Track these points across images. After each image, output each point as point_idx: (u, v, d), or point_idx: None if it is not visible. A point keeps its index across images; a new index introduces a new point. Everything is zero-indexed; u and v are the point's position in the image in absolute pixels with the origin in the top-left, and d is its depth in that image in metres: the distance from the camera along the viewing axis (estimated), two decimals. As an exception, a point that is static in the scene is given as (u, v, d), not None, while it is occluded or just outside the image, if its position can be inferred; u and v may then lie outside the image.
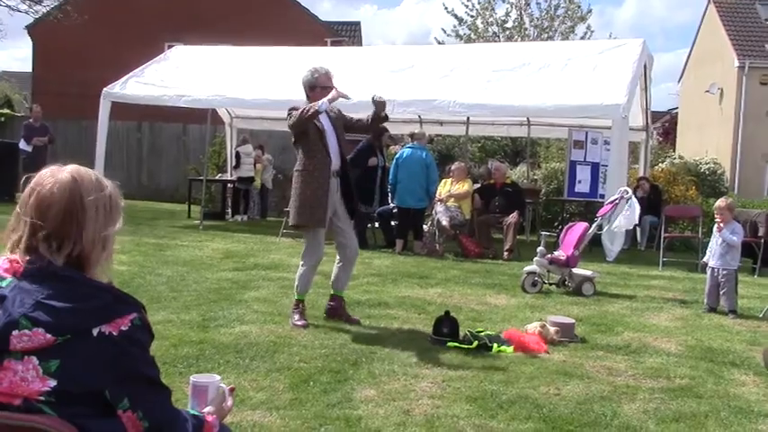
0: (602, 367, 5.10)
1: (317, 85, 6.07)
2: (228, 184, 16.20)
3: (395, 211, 11.51)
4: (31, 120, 14.34)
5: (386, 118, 6.35)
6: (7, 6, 20.64)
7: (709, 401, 4.47)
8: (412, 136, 11.58)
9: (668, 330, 6.36)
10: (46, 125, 14.12)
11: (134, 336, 1.73)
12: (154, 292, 7.07)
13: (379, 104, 6.17)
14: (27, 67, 29.56)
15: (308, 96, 6.13)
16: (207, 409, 2.09)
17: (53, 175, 1.81)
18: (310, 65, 6.44)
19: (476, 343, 5.42)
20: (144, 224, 13.35)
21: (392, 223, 11.62)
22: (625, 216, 8.20)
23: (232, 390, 2.23)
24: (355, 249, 6.24)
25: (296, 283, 6.16)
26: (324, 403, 4.15)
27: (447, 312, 5.75)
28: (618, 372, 5.01)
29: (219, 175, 16.99)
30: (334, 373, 4.70)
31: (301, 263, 6.14)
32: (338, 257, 6.24)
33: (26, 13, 21.49)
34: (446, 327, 5.61)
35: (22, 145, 13.75)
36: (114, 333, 1.70)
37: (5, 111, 22.32)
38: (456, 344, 5.45)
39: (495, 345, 5.42)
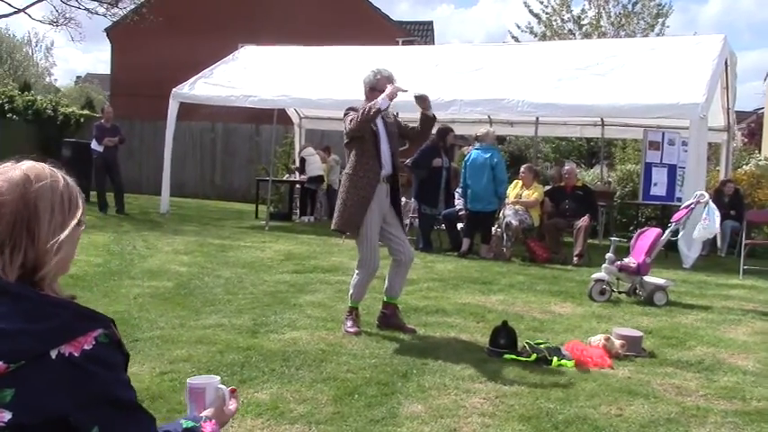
0: (671, 385, 4.74)
1: (377, 88, 5.83)
2: (296, 185, 16.17)
3: (461, 213, 11.23)
4: (102, 120, 14.57)
5: (433, 117, 6.07)
6: (86, 9, 21.14)
7: (789, 428, 4.08)
8: (476, 138, 11.24)
9: (746, 346, 5.91)
10: (117, 126, 14.32)
11: (99, 355, 1.51)
12: (210, 294, 6.99)
13: (419, 100, 5.92)
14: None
15: (366, 97, 5.92)
16: (205, 413, 1.88)
17: (3, 173, 1.59)
18: (379, 65, 6.24)
19: (534, 356, 5.12)
20: (211, 224, 13.44)
21: (458, 226, 11.32)
22: (704, 226, 7.69)
23: (233, 391, 2.01)
24: (410, 255, 6.00)
25: (351, 290, 5.98)
26: (366, 419, 3.93)
27: (505, 322, 5.46)
28: (688, 391, 4.64)
29: (287, 175, 16.98)
30: (381, 385, 4.47)
31: (356, 271, 5.95)
32: (392, 263, 6.01)
33: (104, 16, 21.97)
34: (503, 338, 5.32)
35: (94, 145, 13.96)
36: (75, 354, 1.49)
37: (85, 112, 22.84)
38: (513, 356, 5.16)
39: (554, 358, 5.11)
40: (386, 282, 6.04)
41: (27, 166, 1.61)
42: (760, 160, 21.46)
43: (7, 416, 1.46)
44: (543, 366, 5.03)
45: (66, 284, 6.27)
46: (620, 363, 5.21)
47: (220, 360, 4.85)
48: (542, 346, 5.31)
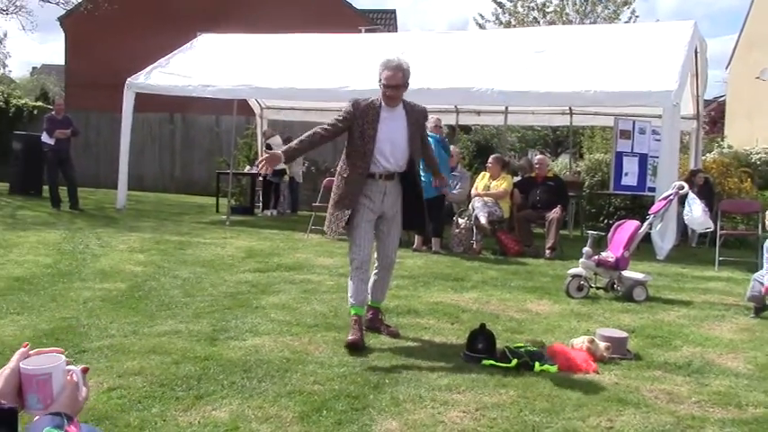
0: (662, 392, 4.42)
1: (379, 78, 5.28)
2: (258, 178, 15.68)
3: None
4: (53, 112, 13.94)
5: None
6: (37, -3, 20.39)
7: (792, 438, 3.79)
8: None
9: (733, 344, 5.63)
10: (69, 117, 13.70)
11: None
12: (165, 296, 6.54)
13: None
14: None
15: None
16: (57, 406, 1.48)
17: None
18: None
19: (515, 361, 4.77)
20: (169, 220, 12.95)
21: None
22: (689, 219, 7.46)
23: (85, 371, 1.61)
24: (391, 259, 5.55)
25: (348, 294, 5.46)
26: (337, 439, 3.56)
27: (482, 325, 5.10)
28: (680, 398, 4.33)
29: (249, 167, 16.47)
30: (351, 398, 4.09)
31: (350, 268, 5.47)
32: (376, 264, 5.61)
33: (57, 4, 21.19)
34: (481, 342, 4.97)
35: (45, 138, 13.35)
36: None
37: (38, 103, 22.07)
38: (492, 362, 4.81)
39: (537, 363, 4.76)
40: (369, 284, 5.59)
41: None
42: (724, 148, 21.48)
43: None
44: (525, 372, 4.69)
45: (10, 288, 5.72)
46: (606, 367, 4.89)
47: (175, 372, 4.43)
48: (523, 350, 4.96)
